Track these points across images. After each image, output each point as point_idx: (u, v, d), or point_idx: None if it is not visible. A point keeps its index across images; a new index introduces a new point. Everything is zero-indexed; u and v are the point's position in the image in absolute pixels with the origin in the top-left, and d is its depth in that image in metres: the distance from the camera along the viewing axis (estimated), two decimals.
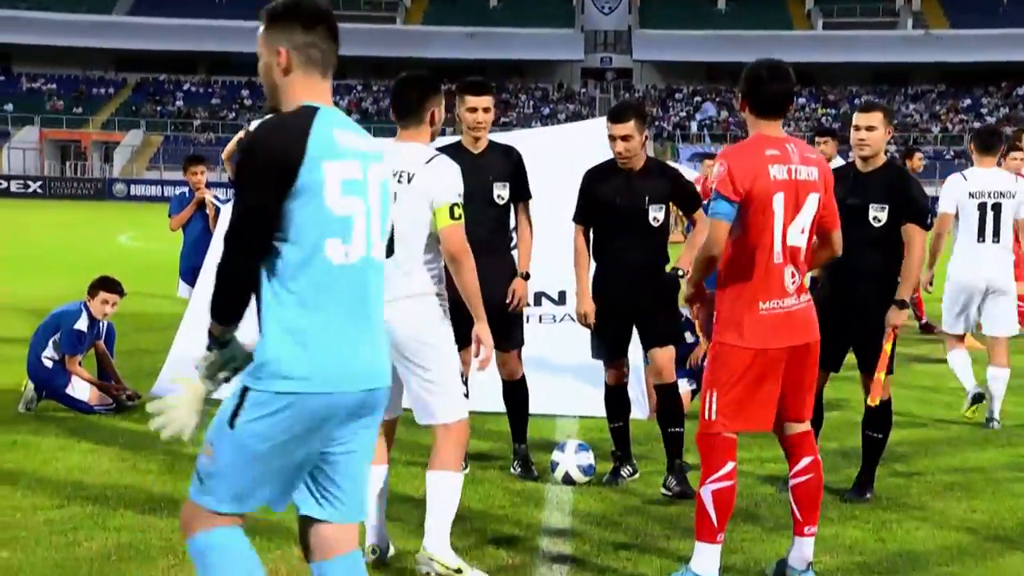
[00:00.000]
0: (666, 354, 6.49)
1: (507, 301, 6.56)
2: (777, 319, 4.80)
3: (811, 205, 4.85)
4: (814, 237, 4.97)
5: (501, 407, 7.02)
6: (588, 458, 6.57)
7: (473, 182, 6.47)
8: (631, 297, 6.38)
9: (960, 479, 6.81)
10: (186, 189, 10.94)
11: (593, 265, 6.67)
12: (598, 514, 6.05)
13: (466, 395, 5.23)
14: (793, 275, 4.84)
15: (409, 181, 4.99)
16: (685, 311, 6.89)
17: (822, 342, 6.07)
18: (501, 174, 6.60)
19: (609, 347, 6.60)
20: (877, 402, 6.19)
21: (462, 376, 6.66)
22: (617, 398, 6.73)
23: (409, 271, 5.03)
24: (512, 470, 6.84)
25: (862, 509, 6.16)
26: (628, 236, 6.37)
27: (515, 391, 6.84)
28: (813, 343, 4.96)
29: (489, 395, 7.20)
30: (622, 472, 6.66)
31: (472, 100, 6.54)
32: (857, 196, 6.19)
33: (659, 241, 6.50)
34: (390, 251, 5.06)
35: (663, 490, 6.40)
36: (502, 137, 8.53)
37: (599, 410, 7.85)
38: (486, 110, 6.56)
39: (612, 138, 6.33)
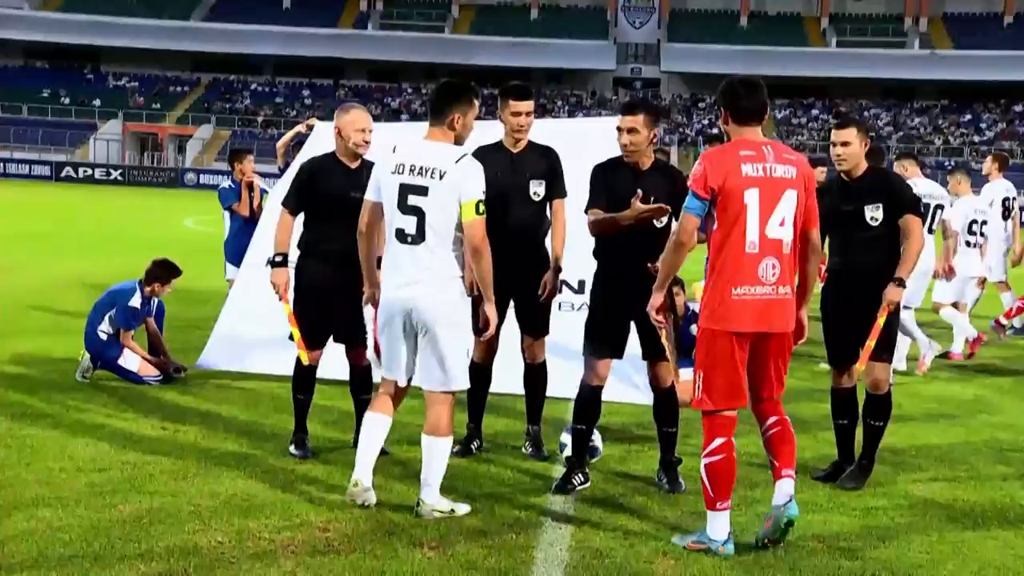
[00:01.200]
0: (663, 364, 5.96)
1: (539, 292, 6.38)
2: (747, 304, 4.83)
3: (789, 200, 4.88)
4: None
5: (517, 389, 6.82)
6: (596, 441, 6.35)
7: (511, 179, 6.32)
8: (631, 297, 5.82)
9: (946, 471, 6.55)
10: (230, 181, 10.75)
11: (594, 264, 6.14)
12: (601, 495, 5.82)
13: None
14: (773, 266, 4.86)
15: (441, 178, 5.12)
16: (692, 304, 6.65)
17: (839, 342, 5.97)
18: (538, 172, 6.40)
19: (601, 343, 5.92)
20: (863, 369, 6.06)
21: (486, 361, 6.53)
22: (589, 400, 5.96)
23: (439, 256, 5.16)
24: (524, 450, 6.64)
25: (849, 496, 5.91)
26: (632, 235, 5.83)
27: (536, 374, 6.63)
28: (786, 335, 4.99)
29: (508, 377, 7.01)
30: (573, 479, 5.88)
31: (516, 104, 6.35)
32: (850, 202, 6.05)
33: (662, 243, 5.86)
34: (421, 238, 5.11)
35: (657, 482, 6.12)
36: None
37: (609, 394, 7.63)
38: (528, 114, 6.39)
39: (619, 130, 5.84)
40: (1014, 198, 12.12)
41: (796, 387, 8.93)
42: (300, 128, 11.12)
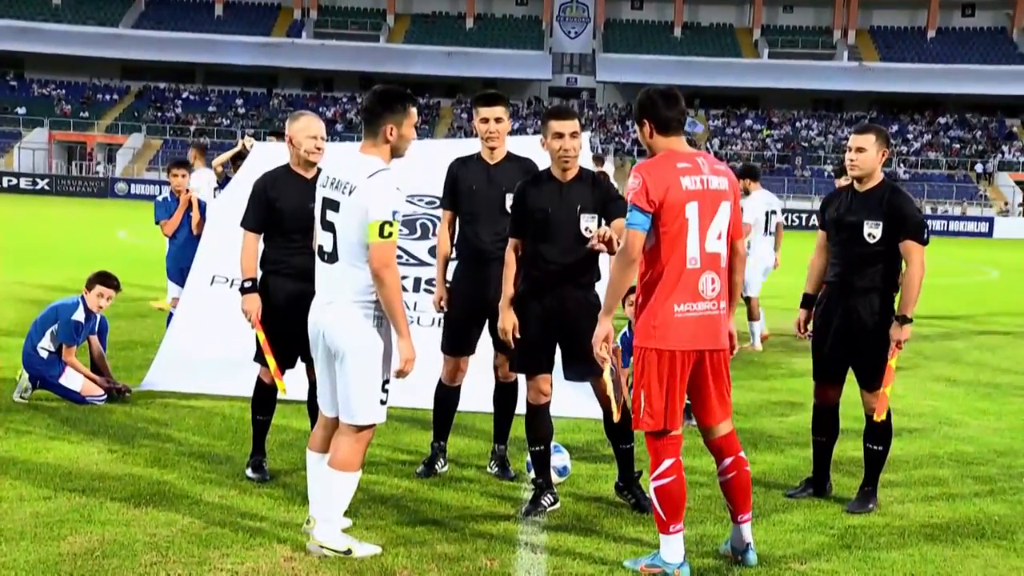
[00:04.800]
0: (604, 381, 5.64)
1: None
2: (690, 322, 4.71)
3: (724, 212, 4.79)
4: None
5: (478, 407, 6.62)
6: (563, 459, 6.17)
7: (486, 192, 6.12)
8: (556, 309, 5.61)
9: (918, 487, 6.47)
10: (167, 193, 10.39)
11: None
12: (573, 517, 5.65)
13: (383, 402, 4.90)
14: (712, 281, 4.76)
15: (350, 194, 4.76)
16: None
17: (826, 356, 5.83)
18: (514, 186, 6.08)
19: (533, 359, 5.68)
20: (884, 417, 5.91)
21: (454, 381, 6.29)
22: (537, 419, 5.74)
23: (351, 277, 4.81)
24: (488, 469, 6.44)
25: (826, 515, 5.80)
26: (559, 247, 5.57)
27: (507, 393, 6.38)
28: (724, 351, 4.87)
29: (472, 396, 6.82)
30: (543, 501, 5.68)
31: (484, 111, 6.14)
32: (853, 214, 5.91)
33: (590, 253, 5.64)
34: (334, 257, 4.81)
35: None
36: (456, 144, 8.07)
37: (576, 411, 7.49)
38: (498, 120, 6.15)
39: (560, 135, 5.52)
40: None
41: (758, 401, 8.87)
42: (237, 148, 10.87)
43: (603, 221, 5.56)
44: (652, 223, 4.67)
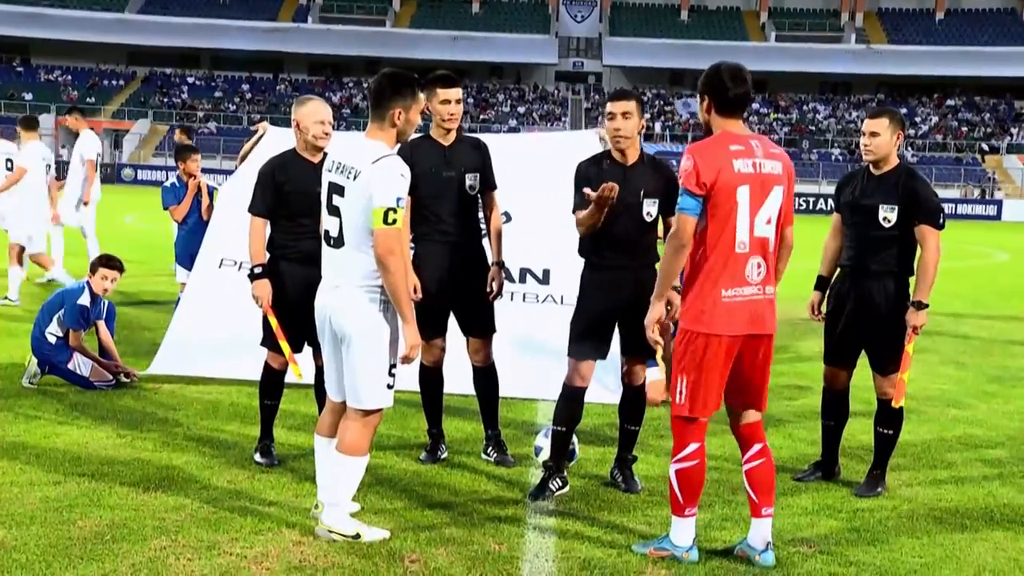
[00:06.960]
0: (641, 363, 5.84)
1: (487, 291, 6.14)
2: (737, 307, 4.63)
3: (776, 197, 4.69)
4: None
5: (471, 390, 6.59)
6: (572, 443, 6.16)
7: (446, 173, 6.11)
8: (619, 296, 5.62)
9: (926, 470, 6.47)
10: (175, 179, 10.46)
11: (581, 262, 5.89)
12: (581, 500, 5.64)
13: (390, 386, 4.91)
14: (759, 265, 4.67)
15: (355, 179, 4.75)
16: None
17: (838, 340, 5.80)
18: (472, 165, 6.16)
19: (586, 344, 5.68)
20: (902, 403, 5.87)
21: (436, 362, 6.27)
22: (571, 401, 5.75)
23: (357, 261, 4.82)
24: (485, 455, 6.39)
25: (834, 499, 5.80)
26: (619, 230, 5.57)
27: (486, 377, 6.34)
28: (770, 336, 4.78)
29: (468, 379, 6.81)
30: (551, 485, 5.68)
31: (444, 92, 6.06)
32: (869, 197, 5.87)
33: (651, 237, 5.76)
34: (341, 242, 4.82)
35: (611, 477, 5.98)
36: (495, 139, 8.08)
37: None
38: (457, 102, 6.11)
39: (612, 115, 5.56)
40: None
41: None
42: (257, 137, 10.93)
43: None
44: (703, 206, 4.59)
